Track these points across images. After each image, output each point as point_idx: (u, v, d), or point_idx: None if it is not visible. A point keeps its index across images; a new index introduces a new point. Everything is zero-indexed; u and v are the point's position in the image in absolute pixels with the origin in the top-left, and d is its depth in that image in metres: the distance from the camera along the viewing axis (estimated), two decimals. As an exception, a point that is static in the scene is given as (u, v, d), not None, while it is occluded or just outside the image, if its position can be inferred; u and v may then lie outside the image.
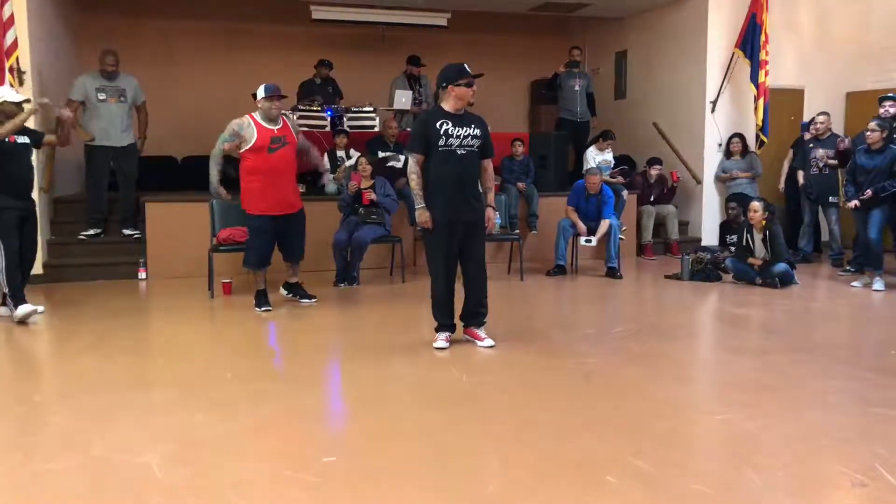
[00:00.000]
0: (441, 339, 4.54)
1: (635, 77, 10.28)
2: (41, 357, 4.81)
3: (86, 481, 2.69)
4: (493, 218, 4.64)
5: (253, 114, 5.50)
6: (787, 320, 5.56)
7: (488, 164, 4.62)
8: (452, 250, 4.47)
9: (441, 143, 4.34)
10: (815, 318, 5.78)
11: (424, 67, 9.10)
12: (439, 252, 4.46)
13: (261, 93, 5.43)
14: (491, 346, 4.53)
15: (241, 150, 5.49)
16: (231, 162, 5.78)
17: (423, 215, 4.38)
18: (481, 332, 4.63)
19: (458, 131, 4.36)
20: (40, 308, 5.48)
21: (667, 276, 7.21)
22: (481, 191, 4.63)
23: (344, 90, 9.36)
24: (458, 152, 4.37)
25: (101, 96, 7.10)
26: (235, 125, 5.46)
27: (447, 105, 4.43)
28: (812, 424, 3.27)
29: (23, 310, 5.19)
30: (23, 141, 5.34)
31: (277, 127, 5.49)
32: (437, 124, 4.35)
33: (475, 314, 4.64)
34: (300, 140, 5.74)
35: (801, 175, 8.12)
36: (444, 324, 4.57)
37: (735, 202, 7.94)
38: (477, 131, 4.44)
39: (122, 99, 7.20)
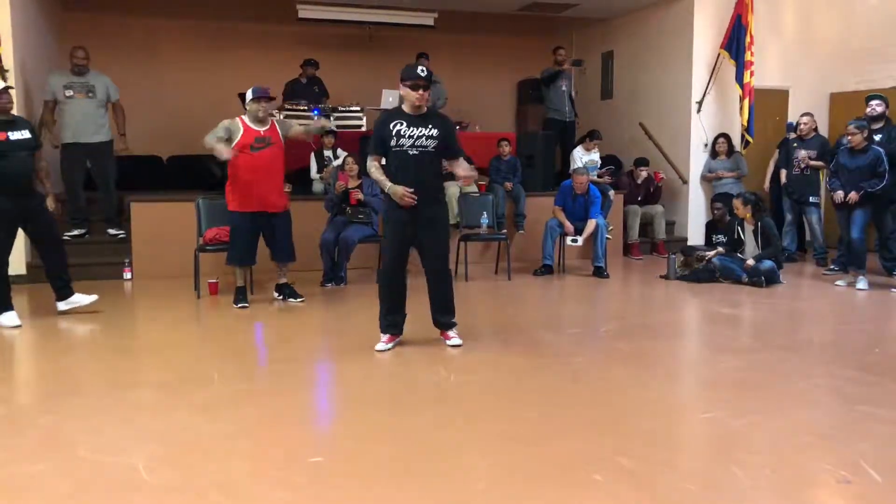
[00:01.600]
0: (382, 342, 4.48)
1: (621, 77, 10.33)
2: (26, 357, 4.76)
3: (71, 482, 2.67)
4: (467, 170, 4.46)
5: (242, 116, 5.64)
6: (772, 319, 5.60)
7: (459, 162, 4.48)
8: (403, 251, 4.45)
9: (393, 143, 4.29)
10: (800, 317, 5.83)
11: (428, 62, 9.13)
12: (388, 249, 4.45)
13: (248, 95, 5.58)
14: (458, 345, 4.51)
15: None
16: (217, 162, 5.79)
17: (397, 190, 4.25)
18: (450, 332, 4.61)
19: (411, 132, 4.29)
20: (11, 315, 5.37)
21: (662, 277, 7.20)
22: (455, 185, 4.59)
23: (331, 90, 9.35)
24: (410, 153, 4.29)
25: (69, 93, 6.98)
26: (226, 122, 5.60)
27: (405, 105, 4.39)
28: (797, 422, 3.30)
29: (7, 319, 5.12)
30: (17, 137, 5.10)
31: (265, 128, 5.59)
32: (391, 125, 4.30)
33: (443, 322, 4.60)
34: (294, 130, 5.80)
35: (783, 174, 8.20)
36: (387, 324, 4.51)
37: (720, 202, 8.01)
38: (434, 131, 4.32)
39: (90, 95, 7.05)
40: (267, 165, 5.57)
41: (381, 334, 4.52)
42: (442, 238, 4.55)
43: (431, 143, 4.34)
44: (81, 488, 2.62)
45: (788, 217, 8.25)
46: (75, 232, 7.23)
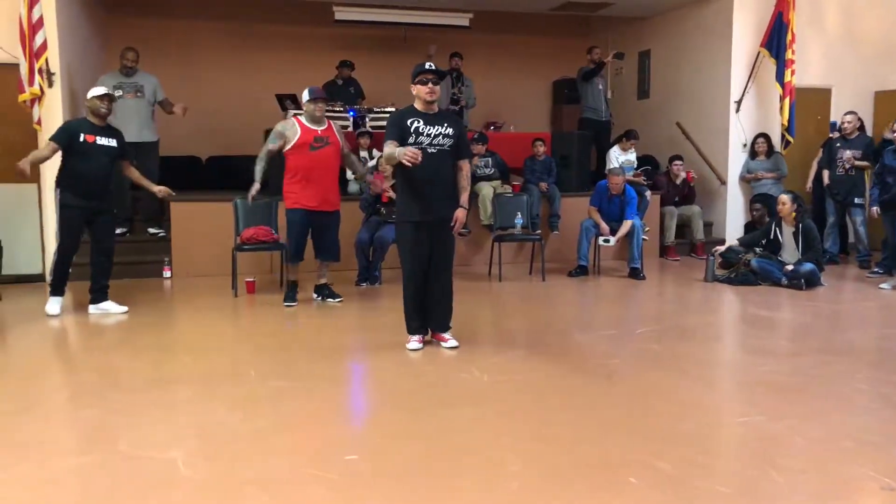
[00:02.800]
0: (414, 341, 4.50)
1: (658, 77, 10.22)
2: (69, 353, 4.88)
3: (112, 476, 2.73)
4: (462, 218, 4.46)
5: (299, 116, 5.79)
6: (812, 322, 5.49)
7: (464, 164, 4.52)
8: (423, 251, 4.41)
9: (411, 140, 4.29)
10: (842, 320, 5.70)
11: (462, 62, 9.20)
12: (409, 252, 4.42)
13: (305, 95, 5.71)
14: (455, 347, 4.48)
15: (285, 150, 5.66)
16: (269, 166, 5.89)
17: (406, 150, 4.04)
18: (446, 335, 4.57)
19: (428, 130, 4.31)
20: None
21: (706, 280, 7.06)
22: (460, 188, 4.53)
23: (366, 91, 9.41)
24: (429, 151, 4.30)
25: (118, 93, 7.12)
26: (280, 126, 5.76)
27: (417, 104, 4.40)
28: (838, 427, 3.23)
29: (51, 306, 5.37)
30: (103, 143, 5.41)
31: (322, 128, 5.70)
32: (409, 122, 4.31)
33: (441, 323, 4.58)
34: (342, 142, 5.85)
35: (826, 175, 8.03)
36: (417, 325, 4.53)
37: (760, 203, 7.86)
38: (450, 130, 4.37)
39: (139, 94, 7.21)
40: (325, 164, 5.67)
41: (411, 335, 4.54)
42: (451, 244, 4.55)
43: (448, 142, 4.37)
44: (122, 482, 2.68)
45: (831, 219, 8.08)
46: (118, 231, 7.36)
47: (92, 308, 5.61)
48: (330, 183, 5.75)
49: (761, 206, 7.75)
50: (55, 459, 2.89)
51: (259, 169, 5.72)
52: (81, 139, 5.30)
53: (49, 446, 3.03)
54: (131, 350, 4.60)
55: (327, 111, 8.46)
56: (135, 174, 5.77)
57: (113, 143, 5.48)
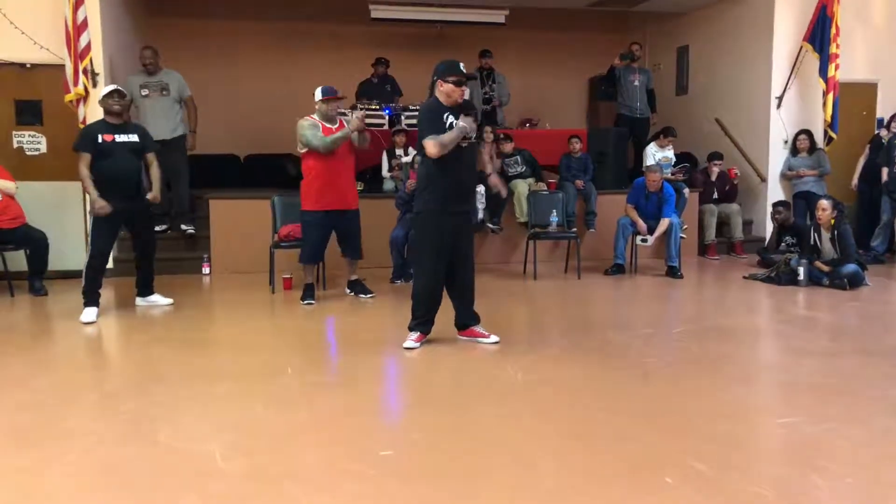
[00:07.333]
0: (411, 340, 4.46)
1: (697, 72, 10.07)
2: (111, 348, 5.00)
3: (152, 467, 2.79)
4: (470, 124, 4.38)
5: (313, 115, 5.72)
6: (856, 322, 5.36)
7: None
8: (446, 244, 4.39)
9: None
10: (886, 321, 5.54)
11: (492, 60, 9.19)
12: (433, 244, 4.38)
13: (318, 94, 5.68)
14: (496, 343, 4.47)
15: (303, 151, 5.66)
16: (292, 161, 5.93)
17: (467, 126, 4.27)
18: (482, 329, 4.55)
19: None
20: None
21: (745, 277, 6.98)
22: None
23: (402, 88, 9.44)
24: (463, 145, 4.33)
25: (144, 92, 7.21)
26: (310, 122, 5.64)
27: (444, 99, 4.38)
28: (882, 430, 3.15)
29: (86, 314, 5.25)
30: (123, 140, 5.34)
31: (335, 127, 5.68)
32: (444, 116, 4.31)
33: (470, 314, 4.57)
34: (357, 137, 5.79)
35: (884, 172, 7.81)
36: (424, 320, 4.49)
37: (782, 206, 7.66)
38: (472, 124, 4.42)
39: (164, 93, 7.23)
40: (340, 164, 5.67)
41: (412, 332, 4.50)
42: (472, 234, 4.61)
43: (473, 135, 4.40)
44: (161, 473, 2.74)
45: (884, 217, 7.86)
46: (159, 228, 7.48)
47: (139, 300, 5.78)
48: (346, 181, 5.73)
49: (783, 209, 7.57)
50: (99, 450, 2.96)
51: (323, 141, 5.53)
52: (100, 140, 5.27)
53: (94, 437, 3.10)
54: (171, 345, 4.69)
55: (366, 109, 8.59)
56: (153, 172, 5.62)
57: (134, 137, 5.43)
